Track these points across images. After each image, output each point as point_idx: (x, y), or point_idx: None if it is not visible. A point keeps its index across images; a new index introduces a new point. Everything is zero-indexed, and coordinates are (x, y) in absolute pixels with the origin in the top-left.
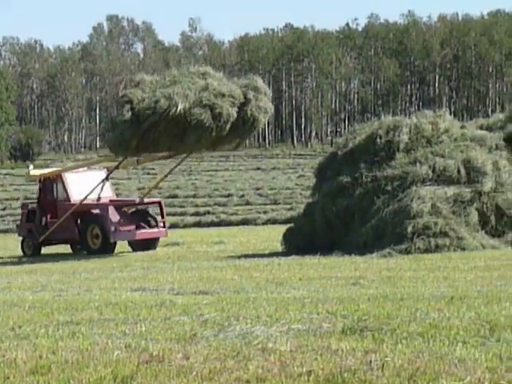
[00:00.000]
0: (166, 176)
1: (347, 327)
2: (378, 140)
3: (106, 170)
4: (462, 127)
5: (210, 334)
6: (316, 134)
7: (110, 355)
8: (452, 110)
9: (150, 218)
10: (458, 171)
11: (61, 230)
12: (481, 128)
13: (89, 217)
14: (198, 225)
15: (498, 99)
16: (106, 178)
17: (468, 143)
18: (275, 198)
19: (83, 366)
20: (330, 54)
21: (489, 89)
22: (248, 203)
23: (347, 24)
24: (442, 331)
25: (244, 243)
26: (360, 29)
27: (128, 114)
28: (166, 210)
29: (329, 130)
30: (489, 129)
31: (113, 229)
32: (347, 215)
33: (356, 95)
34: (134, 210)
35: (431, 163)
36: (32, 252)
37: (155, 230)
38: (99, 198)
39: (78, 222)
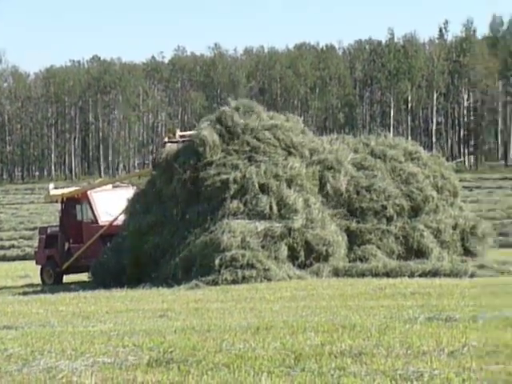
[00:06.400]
0: None
1: (153, 359)
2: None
3: (134, 187)
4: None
5: (14, 368)
6: (124, 166)
7: None
8: None
9: None
10: (270, 207)
11: (88, 255)
12: None
13: None
14: (2, 259)
15: None
16: None
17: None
18: None
19: None
20: (137, 86)
21: None
22: None
23: (153, 56)
24: (247, 362)
25: None
26: (167, 61)
27: None
28: None
29: (136, 162)
30: None
31: None
32: (157, 253)
33: (163, 127)
34: None
35: (243, 198)
36: (53, 281)
37: None
38: None
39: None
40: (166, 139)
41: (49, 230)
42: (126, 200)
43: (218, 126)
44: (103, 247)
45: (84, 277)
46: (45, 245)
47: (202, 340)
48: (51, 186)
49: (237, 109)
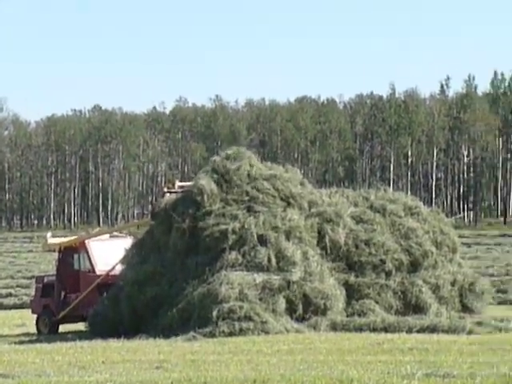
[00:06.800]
0: None
1: None
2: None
3: (132, 237)
4: None
5: None
6: (123, 215)
7: None
8: None
9: None
10: (269, 259)
11: (84, 304)
12: None
13: None
14: None
15: None
16: None
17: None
18: None
19: None
20: (138, 137)
21: None
22: None
23: (154, 107)
24: None
25: None
26: (168, 112)
27: None
28: None
29: (136, 211)
30: None
31: None
32: (155, 303)
33: (163, 178)
34: None
35: (241, 249)
36: (49, 330)
37: None
38: None
39: (105, 295)
40: (166, 189)
41: (45, 279)
42: (124, 250)
43: (214, 176)
44: (100, 297)
45: (81, 326)
46: (41, 294)
47: None
48: (49, 234)
49: (227, 157)
